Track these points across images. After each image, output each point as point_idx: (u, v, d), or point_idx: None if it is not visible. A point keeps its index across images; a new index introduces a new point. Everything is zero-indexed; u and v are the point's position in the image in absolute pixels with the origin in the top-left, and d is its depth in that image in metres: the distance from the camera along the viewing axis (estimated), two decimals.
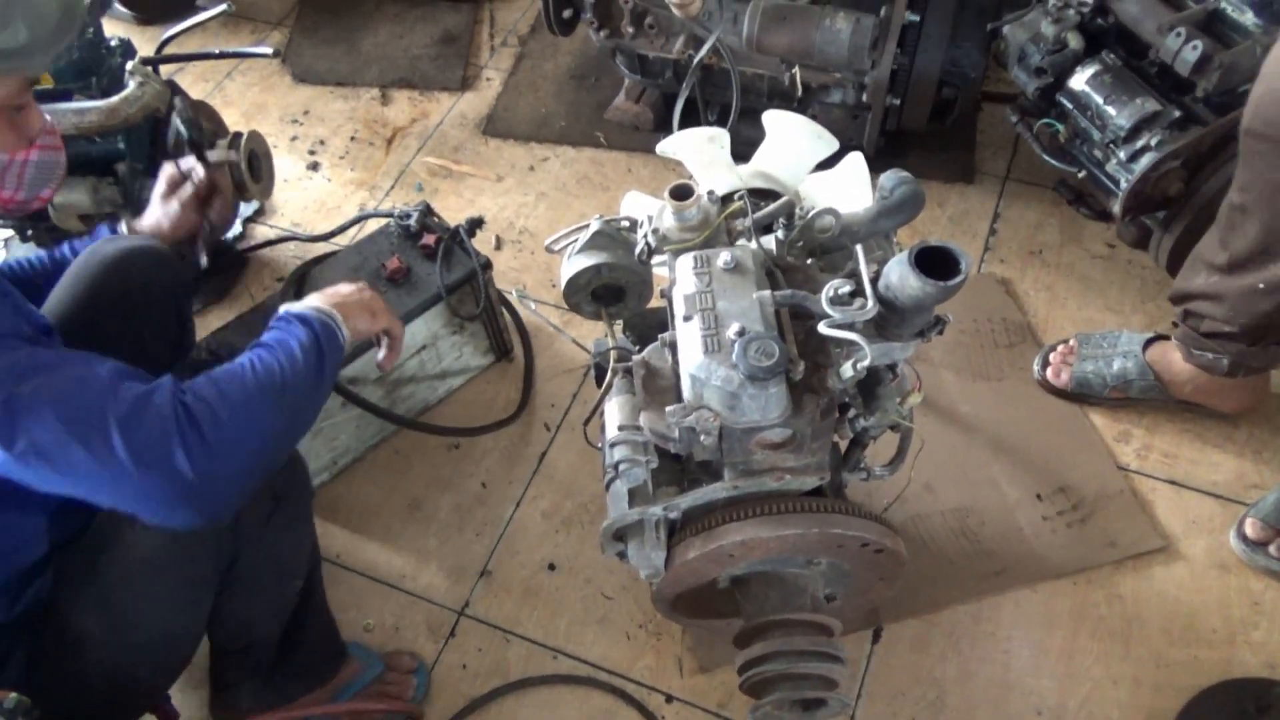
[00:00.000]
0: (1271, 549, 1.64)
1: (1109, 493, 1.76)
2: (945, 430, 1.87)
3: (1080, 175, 1.92)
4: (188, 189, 1.55)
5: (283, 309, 1.24)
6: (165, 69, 2.49)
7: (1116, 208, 1.83)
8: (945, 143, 2.31)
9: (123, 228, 1.55)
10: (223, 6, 1.97)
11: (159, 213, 1.54)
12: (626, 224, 1.30)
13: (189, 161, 1.58)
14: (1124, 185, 1.79)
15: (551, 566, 1.75)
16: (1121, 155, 1.78)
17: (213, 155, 1.66)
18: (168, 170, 1.57)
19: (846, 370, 1.11)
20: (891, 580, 1.41)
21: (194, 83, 2.73)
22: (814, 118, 2.16)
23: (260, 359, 1.13)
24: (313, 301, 1.25)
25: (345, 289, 1.31)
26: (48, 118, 1.24)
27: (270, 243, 2.29)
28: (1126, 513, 1.73)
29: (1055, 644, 1.60)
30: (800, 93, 2.15)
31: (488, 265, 1.82)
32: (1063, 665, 1.58)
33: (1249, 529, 1.66)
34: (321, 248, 2.08)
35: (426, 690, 1.62)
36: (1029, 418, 1.88)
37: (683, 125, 1.85)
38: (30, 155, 1.22)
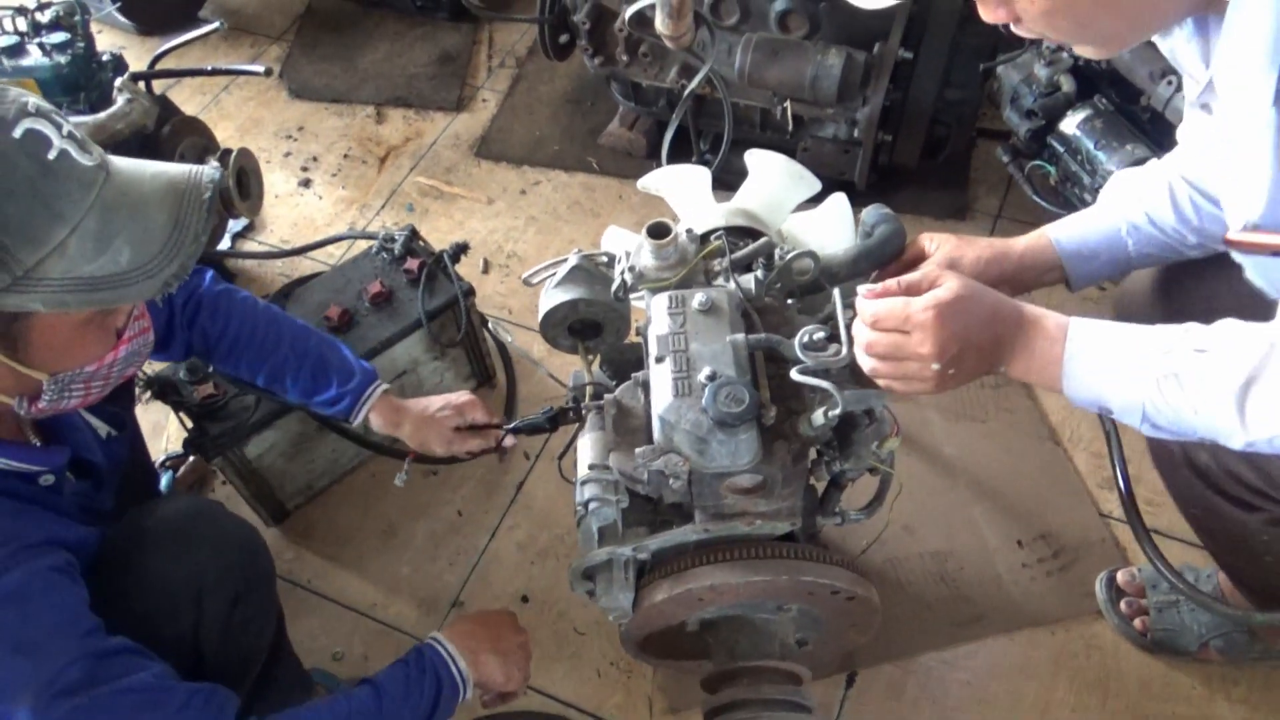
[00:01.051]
0: (1122, 605, 1.60)
1: (1090, 541, 1.74)
2: (928, 471, 1.85)
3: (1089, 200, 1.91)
4: (476, 443, 1.48)
5: (429, 644, 1.23)
6: (159, 85, 2.50)
7: None
8: (938, 179, 2.31)
9: (379, 389, 1.47)
10: (215, 25, 1.97)
11: (437, 428, 1.46)
12: (605, 259, 1.29)
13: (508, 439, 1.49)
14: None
15: (525, 599, 1.73)
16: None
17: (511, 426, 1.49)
18: (475, 411, 1.48)
19: (818, 418, 1.10)
20: (864, 628, 1.38)
21: (191, 96, 2.73)
22: (806, 150, 2.18)
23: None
24: (459, 648, 1.23)
25: (494, 624, 1.32)
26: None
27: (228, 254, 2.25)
28: (1108, 562, 1.70)
29: (1031, 694, 1.57)
30: (792, 126, 2.15)
31: (470, 292, 1.81)
32: (1038, 716, 1.55)
33: (1120, 576, 1.63)
34: (308, 267, 2.07)
35: None
36: (1013, 461, 1.86)
37: (674, 155, 1.84)
38: (119, 352, 1.05)
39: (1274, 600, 1.35)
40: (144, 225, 0.92)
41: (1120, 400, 0.98)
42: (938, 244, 1.26)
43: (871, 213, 1.33)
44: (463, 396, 1.50)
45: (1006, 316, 1.02)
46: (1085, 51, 1.00)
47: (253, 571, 1.28)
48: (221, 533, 1.25)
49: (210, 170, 0.98)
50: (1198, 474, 1.17)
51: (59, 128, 0.90)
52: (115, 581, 1.15)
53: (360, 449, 1.83)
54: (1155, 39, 1.00)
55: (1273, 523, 1.14)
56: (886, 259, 1.28)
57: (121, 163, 0.97)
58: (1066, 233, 1.28)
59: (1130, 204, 1.26)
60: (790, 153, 2.13)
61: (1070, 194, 1.90)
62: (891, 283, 1.04)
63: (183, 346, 1.41)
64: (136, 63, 2.11)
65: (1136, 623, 1.60)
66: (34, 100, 0.90)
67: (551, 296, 1.25)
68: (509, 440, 1.48)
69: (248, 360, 1.44)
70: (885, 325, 1.01)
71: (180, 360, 1.52)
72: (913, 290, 1.02)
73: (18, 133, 0.87)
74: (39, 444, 1.12)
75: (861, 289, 1.06)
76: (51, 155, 0.88)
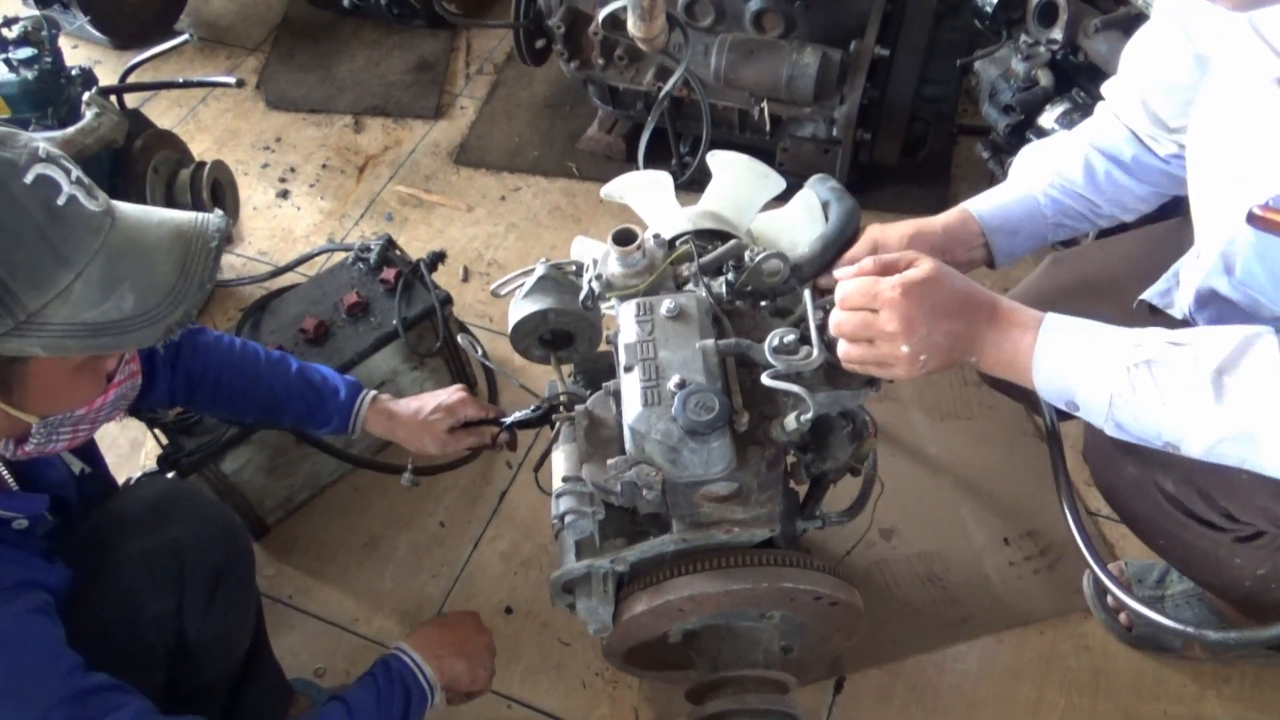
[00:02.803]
0: (1109, 599, 1.59)
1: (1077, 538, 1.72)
2: (913, 470, 1.83)
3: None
4: (472, 440, 1.46)
5: (395, 654, 1.26)
6: (135, 98, 2.48)
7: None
8: (919, 176, 2.29)
9: (367, 398, 1.47)
10: (183, 38, 1.95)
11: (431, 431, 1.45)
12: (575, 268, 1.27)
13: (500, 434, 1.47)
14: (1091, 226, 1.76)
15: (509, 610, 1.71)
16: (1102, 223, 1.76)
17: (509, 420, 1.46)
18: (467, 408, 1.46)
19: (790, 422, 1.08)
20: (849, 633, 1.37)
21: (168, 108, 2.71)
22: (785, 151, 2.17)
23: None
24: (423, 655, 1.26)
25: (457, 628, 1.34)
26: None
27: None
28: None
29: (1021, 696, 1.56)
30: (770, 126, 2.13)
31: (447, 301, 1.79)
32: (1029, 718, 1.54)
33: (1113, 568, 1.61)
34: (284, 279, 2.04)
35: None
36: (998, 459, 1.84)
37: (653, 158, 1.82)
38: (108, 396, 1.04)
39: (1260, 612, 1.34)
40: (149, 272, 0.92)
41: (1088, 392, 0.96)
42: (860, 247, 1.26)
43: (818, 185, 1.32)
44: (454, 395, 1.49)
45: (980, 304, 1.00)
46: (1223, 3, 0.92)
47: (233, 549, 1.29)
48: (199, 510, 1.26)
49: (217, 219, 0.98)
50: (1166, 498, 1.15)
51: (68, 173, 0.90)
52: (97, 563, 1.14)
53: (341, 463, 1.81)
54: (1239, 10, 0.95)
55: (1240, 540, 1.12)
56: (849, 238, 1.26)
57: (128, 208, 0.96)
58: (986, 206, 1.29)
59: (1045, 174, 1.28)
60: (769, 154, 2.13)
61: None
62: (867, 261, 1.03)
63: (166, 390, 1.40)
64: (110, 77, 2.08)
65: (1122, 617, 1.58)
66: (44, 145, 0.90)
67: (520, 307, 1.24)
68: (504, 437, 1.47)
69: (235, 397, 1.44)
70: (853, 303, 1.00)
71: (164, 406, 1.50)
72: (888, 270, 1.01)
73: (29, 178, 0.87)
74: (16, 487, 1.10)
75: (837, 271, 1.05)
76: (61, 201, 0.88)
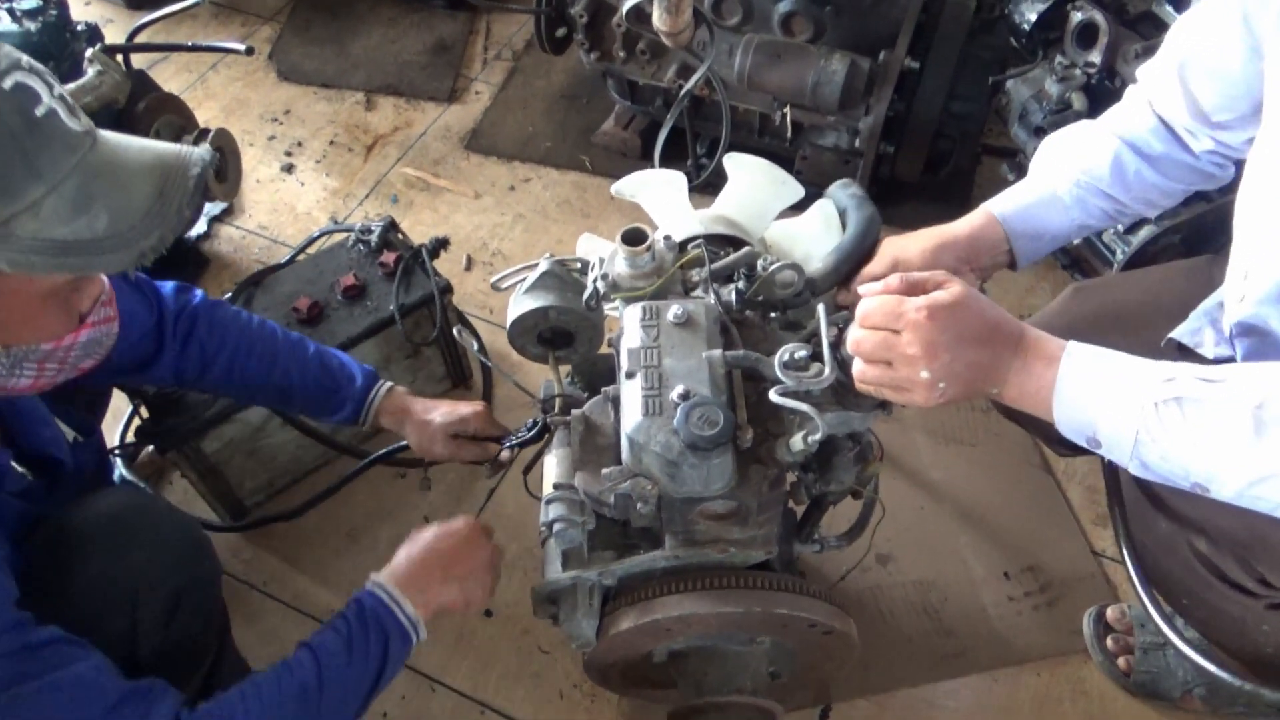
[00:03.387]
0: (1109, 642, 1.54)
1: (1080, 576, 1.67)
2: (914, 495, 1.78)
3: (1076, 242, 1.84)
4: (475, 452, 1.39)
5: (369, 590, 1.16)
6: (144, 59, 2.42)
7: None
8: (940, 194, 2.23)
9: (383, 390, 1.42)
10: (198, 0, 1.89)
11: (440, 434, 1.39)
12: (579, 265, 1.21)
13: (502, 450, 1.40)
14: (1120, 257, 1.72)
15: (488, 613, 1.65)
16: (1120, 226, 1.71)
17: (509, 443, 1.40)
18: (480, 421, 1.39)
19: (796, 443, 1.02)
20: (841, 662, 1.31)
21: (177, 73, 2.65)
22: (805, 159, 2.11)
23: (302, 700, 1.05)
24: (403, 590, 1.15)
25: (450, 549, 1.21)
26: (106, 283, 1.04)
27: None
28: (1097, 598, 1.64)
29: None
30: (791, 133, 2.08)
31: (447, 289, 1.74)
32: None
33: (1110, 612, 1.56)
34: (281, 254, 1.99)
35: None
36: (1003, 488, 1.79)
37: (669, 158, 1.77)
38: (79, 336, 1.00)
39: (1274, 674, 1.29)
40: (125, 194, 0.88)
41: (1112, 428, 0.90)
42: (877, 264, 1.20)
43: (838, 192, 1.26)
44: (475, 406, 1.43)
45: (1007, 334, 0.95)
46: None
47: (197, 569, 1.20)
48: (160, 530, 1.17)
49: (201, 151, 0.94)
50: (1198, 558, 1.09)
51: (50, 88, 0.87)
52: (51, 585, 1.08)
53: (325, 449, 1.75)
54: None
55: (1272, 607, 1.06)
56: (868, 251, 1.21)
57: (110, 134, 0.93)
58: (1010, 208, 1.22)
59: (1070, 172, 1.20)
60: (789, 161, 2.08)
61: None
62: (893, 279, 0.96)
63: (171, 367, 1.34)
64: (119, 36, 2.03)
65: (1121, 661, 1.53)
66: (28, 58, 0.87)
67: (521, 303, 1.18)
68: (504, 455, 1.40)
69: (249, 382, 1.38)
70: (875, 322, 0.94)
71: (169, 384, 1.44)
72: (915, 289, 0.95)
73: (7, 84, 0.83)
74: None
75: (862, 288, 0.99)
76: (39, 112, 0.85)
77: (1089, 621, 1.58)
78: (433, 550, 1.22)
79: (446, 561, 1.21)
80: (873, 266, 1.20)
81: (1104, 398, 0.90)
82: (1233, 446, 0.85)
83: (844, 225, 1.26)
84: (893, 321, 0.93)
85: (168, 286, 1.35)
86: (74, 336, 1.00)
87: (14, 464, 1.09)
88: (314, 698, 1.06)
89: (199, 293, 1.38)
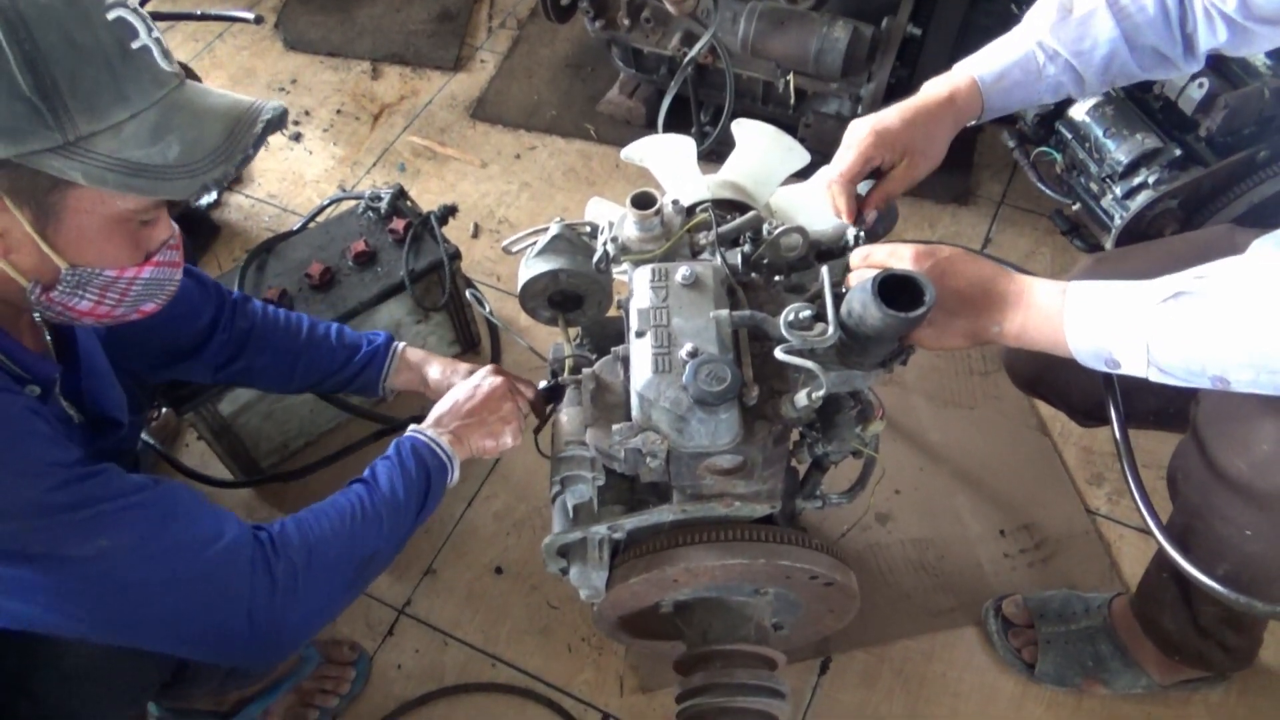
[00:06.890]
0: (1010, 636, 1.57)
1: (1074, 534, 1.72)
2: (913, 456, 1.82)
3: (1075, 207, 1.87)
4: (511, 408, 1.34)
5: (409, 435, 1.25)
6: None
7: (1109, 244, 1.78)
8: (942, 162, 2.25)
9: (397, 349, 1.49)
10: None
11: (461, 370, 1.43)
12: (589, 229, 1.24)
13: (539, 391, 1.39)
14: (1118, 222, 1.74)
15: (499, 570, 1.70)
16: (1118, 191, 1.73)
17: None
18: (499, 383, 1.35)
19: (801, 399, 1.06)
20: (841, 615, 1.36)
21: (183, 41, 2.67)
22: (808, 126, 2.13)
23: (361, 518, 1.14)
24: (442, 429, 1.26)
25: (480, 398, 1.30)
26: (175, 228, 1.07)
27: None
28: (1090, 556, 1.69)
29: (1006, 690, 1.56)
30: (795, 100, 2.10)
31: (456, 255, 1.77)
32: (1012, 713, 1.54)
33: (1006, 606, 1.58)
34: (292, 222, 2.02)
35: (366, 680, 1.59)
36: (999, 449, 1.83)
37: (673, 125, 1.79)
38: (143, 271, 1.03)
39: (1174, 650, 1.41)
40: (199, 131, 0.94)
41: (1125, 341, 0.94)
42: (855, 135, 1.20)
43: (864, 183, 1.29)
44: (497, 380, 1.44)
45: (1004, 277, 1.02)
46: None
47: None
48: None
49: (274, 104, 1.00)
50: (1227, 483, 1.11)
51: (150, 30, 0.93)
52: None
53: (339, 411, 1.79)
54: None
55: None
56: (878, 237, 1.24)
57: (199, 85, 1.00)
58: (988, 69, 1.22)
59: (1049, 38, 1.18)
60: (792, 128, 2.09)
61: (1076, 182, 1.85)
62: (879, 251, 1.07)
63: (211, 363, 1.42)
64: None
65: (1024, 653, 1.56)
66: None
67: (531, 266, 1.21)
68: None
69: (270, 379, 1.49)
70: (874, 260, 1.05)
71: (207, 381, 1.49)
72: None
73: (110, 16, 0.89)
74: (42, 351, 1.09)
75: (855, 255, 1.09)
76: (135, 45, 0.91)
77: (990, 617, 1.59)
78: (461, 401, 1.32)
79: (476, 407, 1.31)
80: (853, 135, 1.19)
81: (1113, 315, 0.95)
82: (1237, 330, 0.88)
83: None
84: (889, 254, 1.05)
85: (234, 294, 1.43)
86: (138, 271, 1.03)
87: (62, 400, 1.11)
88: (372, 519, 1.16)
89: (258, 305, 1.45)
